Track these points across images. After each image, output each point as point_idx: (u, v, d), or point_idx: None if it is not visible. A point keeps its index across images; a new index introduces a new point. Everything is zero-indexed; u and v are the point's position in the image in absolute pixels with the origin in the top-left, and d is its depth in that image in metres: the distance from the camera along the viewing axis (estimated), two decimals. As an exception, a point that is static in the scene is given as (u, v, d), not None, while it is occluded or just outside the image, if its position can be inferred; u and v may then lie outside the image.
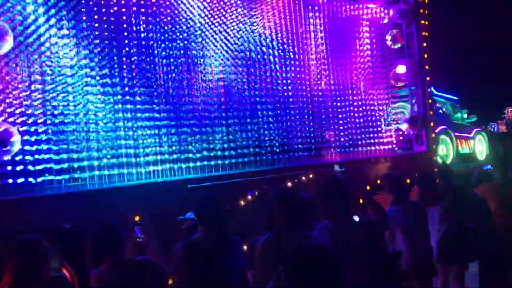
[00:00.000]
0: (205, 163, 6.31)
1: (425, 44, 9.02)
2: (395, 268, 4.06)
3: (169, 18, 6.23)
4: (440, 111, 10.57)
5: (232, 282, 3.12)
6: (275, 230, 3.19)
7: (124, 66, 5.76)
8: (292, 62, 7.66)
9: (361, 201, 4.69)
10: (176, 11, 6.31)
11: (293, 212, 3.19)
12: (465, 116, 11.59)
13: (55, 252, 2.95)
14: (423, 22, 9.00)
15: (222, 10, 6.79)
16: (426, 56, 9.04)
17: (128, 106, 5.71)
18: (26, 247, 2.75)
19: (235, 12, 6.95)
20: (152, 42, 6.03)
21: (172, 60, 6.21)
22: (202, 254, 3.06)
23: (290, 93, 7.63)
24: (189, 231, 3.55)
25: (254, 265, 3.15)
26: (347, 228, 3.57)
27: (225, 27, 6.79)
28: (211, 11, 6.66)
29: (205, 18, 6.57)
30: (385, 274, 3.93)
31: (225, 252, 3.12)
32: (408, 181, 6.36)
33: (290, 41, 7.65)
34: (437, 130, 9.31)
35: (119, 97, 5.66)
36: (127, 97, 5.73)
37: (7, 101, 4.88)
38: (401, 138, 9.13)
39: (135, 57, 5.87)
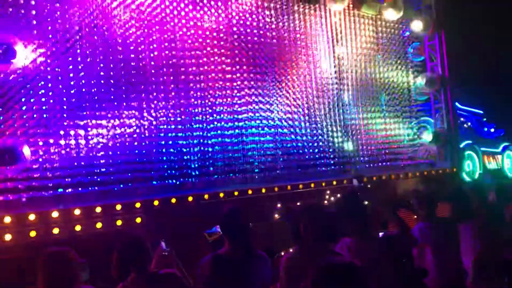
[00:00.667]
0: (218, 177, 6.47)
1: (448, 57, 9.07)
2: (420, 286, 4.07)
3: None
4: (465, 125, 10.53)
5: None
6: (301, 245, 3.27)
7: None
8: (314, 76, 7.82)
9: (383, 217, 4.75)
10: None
11: (320, 227, 3.26)
12: (492, 130, 11.50)
13: (84, 264, 3.08)
14: (446, 34, 9.06)
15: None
16: (449, 69, 9.07)
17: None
18: (56, 259, 2.88)
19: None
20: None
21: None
22: (228, 268, 3.16)
23: (310, 104, 7.76)
24: (215, 245, 3.65)
25: (279, 280, 3.23)
26: (368, 245, 3.62)
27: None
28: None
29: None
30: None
31: (250, 266, 3.21)
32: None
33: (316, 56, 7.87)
34: (462, 146, 9.29)
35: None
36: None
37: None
38: (424, 153, 9.11)
39: None
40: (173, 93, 6.29)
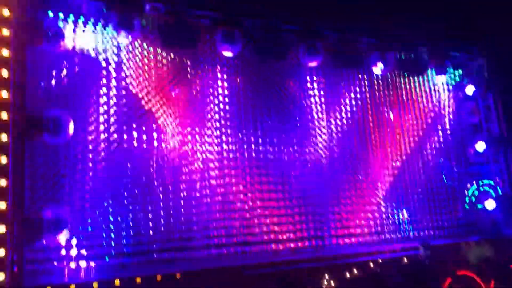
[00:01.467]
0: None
1: (506, 116, 8.92)
2: None
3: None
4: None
5: None
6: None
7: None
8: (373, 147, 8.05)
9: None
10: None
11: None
12: None
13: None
14: (501, 93, 8.97)
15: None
16: (508, 129, 8.89)
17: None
18: None
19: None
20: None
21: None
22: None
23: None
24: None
25: None
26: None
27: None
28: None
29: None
30: None
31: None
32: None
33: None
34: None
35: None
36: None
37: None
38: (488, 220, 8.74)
39: None
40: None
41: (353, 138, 7.92)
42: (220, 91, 6.98)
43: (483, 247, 7.58)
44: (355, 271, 6.40)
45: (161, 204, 6.23)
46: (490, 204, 8.58)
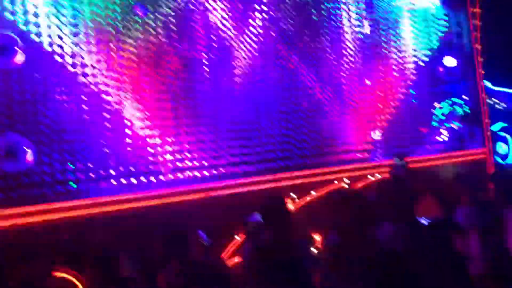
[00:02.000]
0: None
1: (477, 34, 8.97)
2: (464, 272, 4.13)
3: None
4: (498, 106, 10.40)
5: (299, 282, 3.30)
6: (341, 232, 3.35)
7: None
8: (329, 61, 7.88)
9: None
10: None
11: (359, 214, 3.34)
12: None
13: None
14: (474, 9, 8.95)
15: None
16: (478, 47, 8.98)
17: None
18: None
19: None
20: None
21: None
22: (271, 256, 3.26)
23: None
24: (254, 234, 3.75)
25: (322, 267, 3.32)
26: (411, 231, 3.68)
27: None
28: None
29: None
30: (454, 278, 4.01)
31: (293, 253, 3.30)
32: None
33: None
34: (495, 127, 9.26)
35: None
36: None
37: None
38: (452, 136, 9.09)
39: None
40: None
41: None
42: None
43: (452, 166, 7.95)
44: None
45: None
46: (455, 122, 8.90)
